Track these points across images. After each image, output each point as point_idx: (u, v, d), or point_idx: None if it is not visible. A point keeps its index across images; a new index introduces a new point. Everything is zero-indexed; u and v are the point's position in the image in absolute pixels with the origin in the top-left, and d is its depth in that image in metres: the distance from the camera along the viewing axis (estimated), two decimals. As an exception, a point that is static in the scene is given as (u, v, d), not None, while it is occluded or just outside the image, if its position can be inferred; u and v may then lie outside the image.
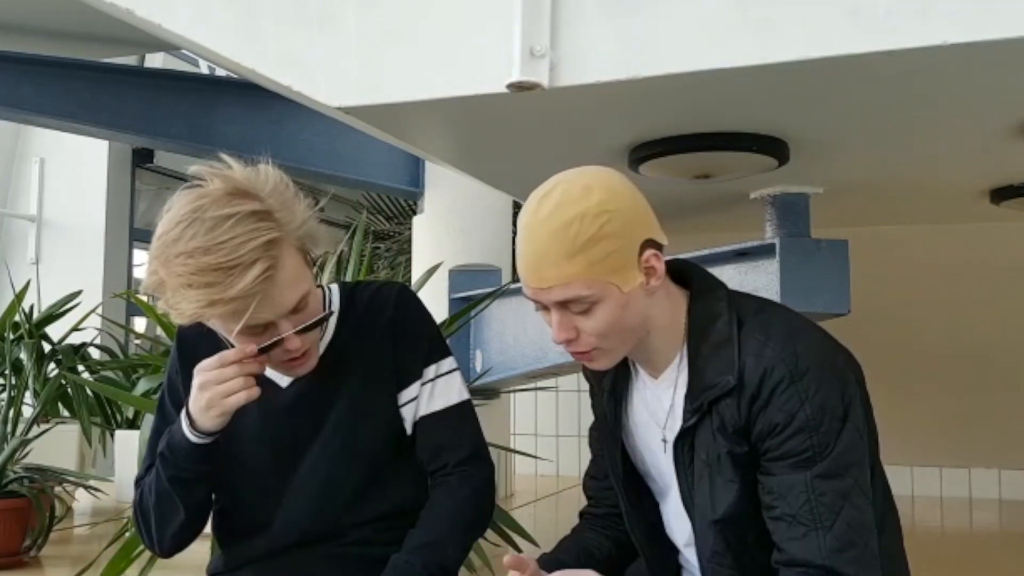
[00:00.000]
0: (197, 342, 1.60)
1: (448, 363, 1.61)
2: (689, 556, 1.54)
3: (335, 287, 1.66)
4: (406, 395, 1.59)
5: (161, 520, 1.54)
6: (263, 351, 1.43)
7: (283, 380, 1.58)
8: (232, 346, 1.48)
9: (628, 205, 1.37)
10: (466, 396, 1.62)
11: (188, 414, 1.47)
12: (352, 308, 1.61)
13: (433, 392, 1.59)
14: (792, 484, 1.35)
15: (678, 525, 1.53)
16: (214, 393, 1.43)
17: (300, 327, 1.44)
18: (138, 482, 1.61)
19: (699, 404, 1.40)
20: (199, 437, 1.47)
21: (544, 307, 1.40)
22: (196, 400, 1.45)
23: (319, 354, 1.56)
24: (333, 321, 1.60)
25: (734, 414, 1.38)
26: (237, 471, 1.59)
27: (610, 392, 1.55)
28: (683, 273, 1.49)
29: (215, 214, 1.36)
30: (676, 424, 1.46)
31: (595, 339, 1.40)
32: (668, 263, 1.43)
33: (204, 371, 1.45)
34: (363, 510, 1.58)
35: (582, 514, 1.72)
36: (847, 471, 1.36)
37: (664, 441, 1.49)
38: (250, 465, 1.59)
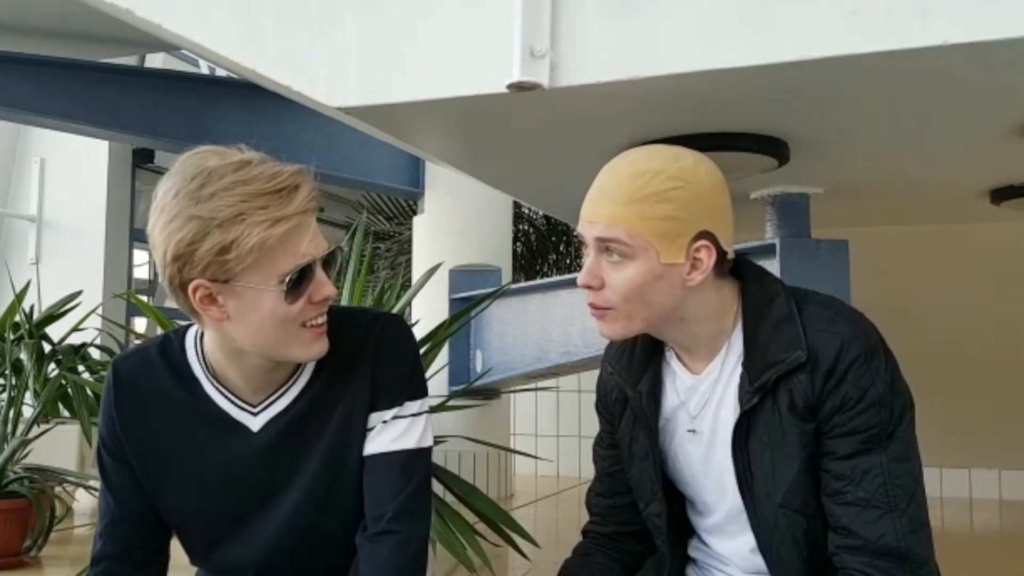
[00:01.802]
0: (137, 372, 1.47)
1: (414, 406, 1.48)
2: (728, 553, 1.51)
3: None
4: (368, 435, 1.47)
5: None
6: (296, 278, 1.32)
7: (254, 423, 1.45)
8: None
9: (706, 191, 1.38)
10: (425, 444, 1.48)
11: None
12: (336, 345, 1.45)
13: (386, 432, 1.46)
14: (868, 467, 1.35)
15: (729, 526, 1.50)
16: None
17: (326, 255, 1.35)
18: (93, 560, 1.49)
19: (765, 381, 1.38)
20: None
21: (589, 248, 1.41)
22: None
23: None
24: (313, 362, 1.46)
25: (807, 390, 1.37)
26: (197, 519, 1.49)
27: (649, 393, 1.51)
28: (736, 266, 1.48)
29: (232, 160, 1.31)
30: (715, 415, 1.45)
31: (616, 297, 1.39)
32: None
33: None
34: (350, 555, 1.47)
35: (586, 532, 1.68)
36: (916, 453, 1.38)
37: (692, 431, 1.48)
38: (213, 514, 1.48)
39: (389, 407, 1.46)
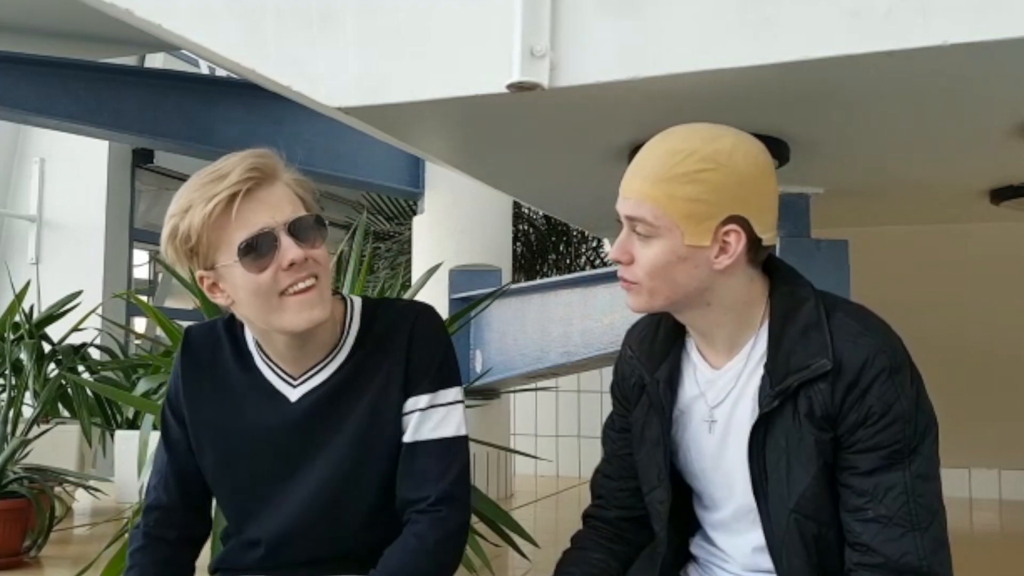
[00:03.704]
0: (204, 340, 1.59)
1: (450, 394, 1.55)
2: (731, 550, 1.51)
3: (358, 301, 1.60)
4: (405, 420, 1.54)
5: None
6: (252, 246, 1.41)
7: (293, 394, 1.54)
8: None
9: (741, 174, 1.36)
10: (462, 432, 1.56)
11: None
12: (372, 328, 1.56)
13: (426, 420, 1.53)
14: (891, 485, 1.34)
15: (735, 523, 1.50)
16: None
17: (292, 220, 1.43)
18: (148, 510, 1.59)
19: (786, 387, 1.37)
20: None
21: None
22: None
23: (341, 346, 1.52)
24: (351, 339, 1.56)
25: (826, 400, 1.35)
26: (231, 480, 1.57)
27: (667, 381, 1.50)
28: (768, 264, 1.46)
29: (218, 163, 1.45)
30: (732, 412, 1.44)
31: (643, 273, 1.39)
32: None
33: None
34: (373, 534, 1.53)
35: (587, 517, 1.66)
36: (938, 471, 1.38)
37: (709, 421, 1.47)
38: (245, 478, 1.56)
39: (425, 392, 1.53)
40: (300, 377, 1.54)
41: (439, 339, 1.58)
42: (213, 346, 1.58)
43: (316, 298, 1.45)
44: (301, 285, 1.43)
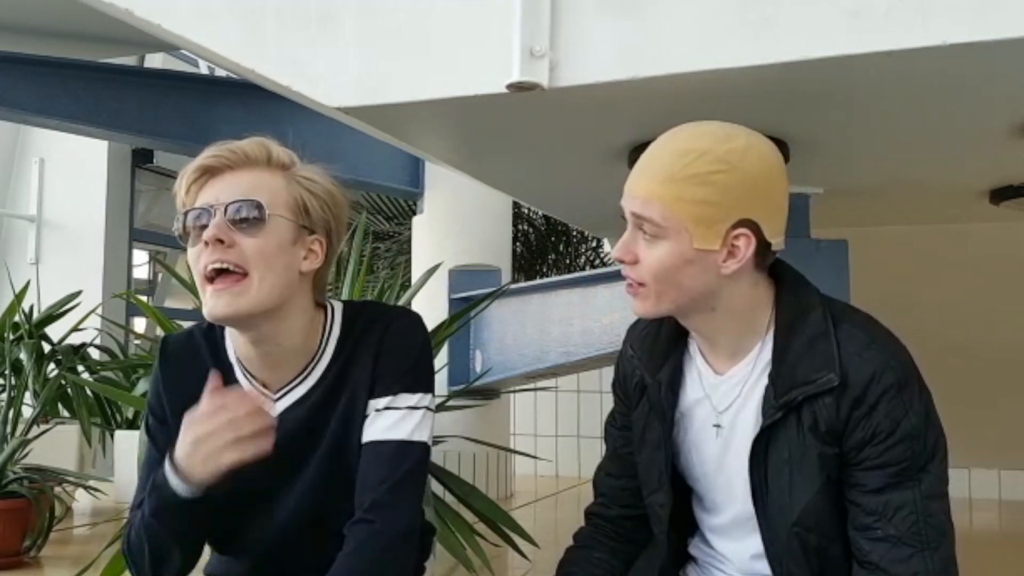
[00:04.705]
0: (181, 349, 1.55)
1: (412, 399, 1.47)
2: (730, 554, 1.50)
3: (339, 307, 1.54)
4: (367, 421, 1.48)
5: (157, 563, 1.44)
6: (185, 217, 1.43)
7: (273, 410, 1.47)
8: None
9: (753, 176, 1.33)
10: (420, 439, 1.46)
11: (174, 464, 1.36)
12: (351, 334, 1.50)
13: (379, 420, 1.46)
14: (901, 504, 1.31)
15: (735, 529, 1.48)
16: (209, 448, 1.33)
17: (228, 203, 1.40)
18: (132, 509, 1.51)
19: (790, 399, 1.34)
20: (191, 492, 1.36)
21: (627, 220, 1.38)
22: (189, 455, 1.35)
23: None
24: (331, 348, 1.50)
25: (831, 415, 1.33)
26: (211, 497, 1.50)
27: (668, 384, 1.47)
28: (774, 269, 1.44)
29: None
30: (735, 419, 1.42)
31: (648, 275, 1.35)
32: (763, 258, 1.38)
33: (196, 424, 1.34)
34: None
35: (589, 514, 1.65)
36: (946, 488, 1.35)
37: (716, 427, 1.45)
38: (225, 495, 1.47)
39: (384, 395, 1.47)
40: (279, 392, 1.49)
41: (411, 343, 1.50)
42: (192, 355, 1.52)
43: (224, 290, 1.38)
44: (211, 267, 1.38)
